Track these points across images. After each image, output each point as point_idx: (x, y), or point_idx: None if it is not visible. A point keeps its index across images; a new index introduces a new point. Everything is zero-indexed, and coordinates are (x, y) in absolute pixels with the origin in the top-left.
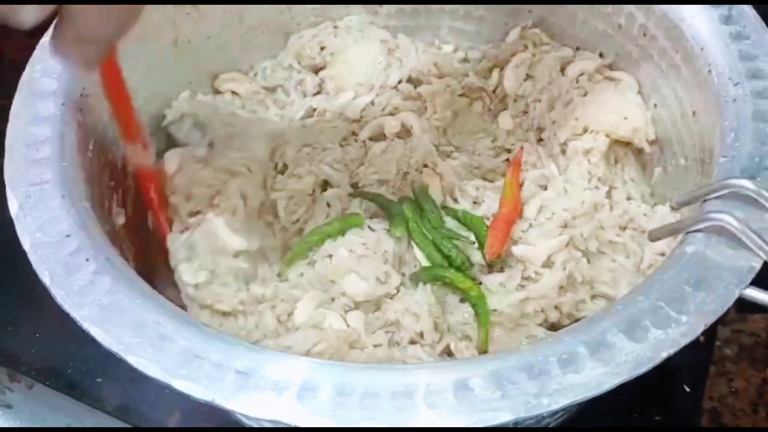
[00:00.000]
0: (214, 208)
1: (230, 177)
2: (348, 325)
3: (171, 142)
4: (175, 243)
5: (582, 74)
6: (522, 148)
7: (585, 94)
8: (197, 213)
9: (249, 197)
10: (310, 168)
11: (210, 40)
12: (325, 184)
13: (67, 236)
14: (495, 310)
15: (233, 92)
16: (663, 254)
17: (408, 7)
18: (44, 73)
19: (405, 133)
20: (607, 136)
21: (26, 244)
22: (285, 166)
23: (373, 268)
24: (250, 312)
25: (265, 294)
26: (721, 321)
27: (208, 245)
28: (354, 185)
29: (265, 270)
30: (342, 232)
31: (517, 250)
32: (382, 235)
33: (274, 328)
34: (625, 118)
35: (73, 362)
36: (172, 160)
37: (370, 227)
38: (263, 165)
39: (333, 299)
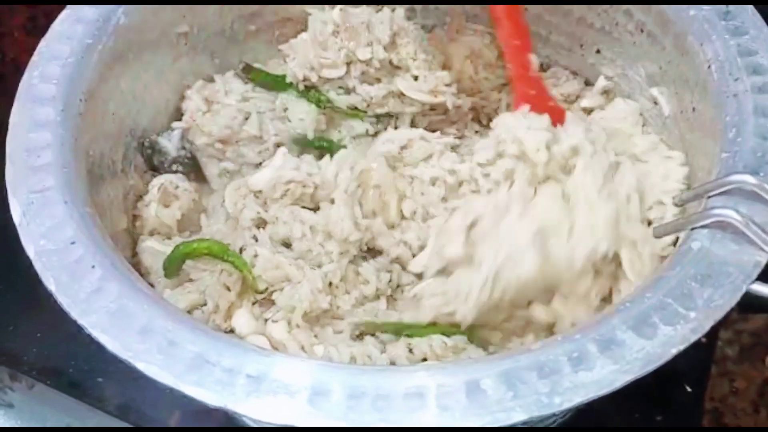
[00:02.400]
0: None
1: None
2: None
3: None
4: None
5: None
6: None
7: None
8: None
9: None
10: None
11: (206, 42)
12: None
13: (72, 243)
14: None
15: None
16: None
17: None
18: (43, 79)
19: None
20: None
21: (31, 251)
22: None
23: None
24: None
25: None
26: (722, 321)
27: None
28: None
29: None
30: None
31: None
32: None
33: None
34: None
35: (74, 362)
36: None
37: None
38: None
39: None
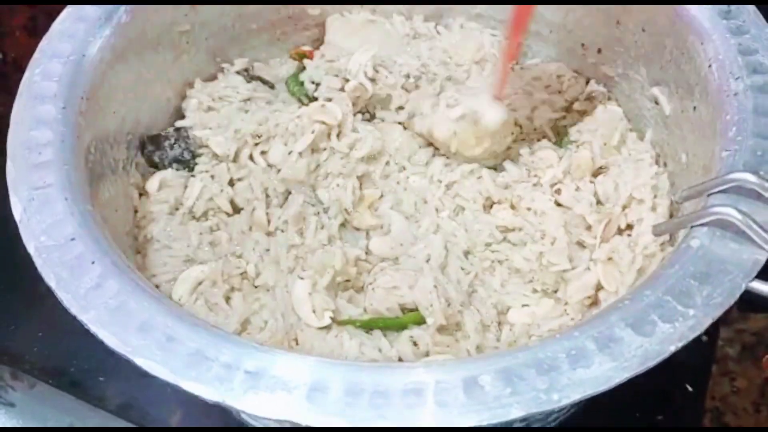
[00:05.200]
0: None
1: None
2: None
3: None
4: None
5: None
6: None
7: None
8: None
9: None
10: None
11: (207, 41)
12: None
13: (72, 240)
14: None
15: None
16: None
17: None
18: (44, 76)
19: None
20: None
21: (31, 247)
22: None
23: None
24: None
25: None
26: (723, 320)
27: None
28: None
29: None
30: None
31: None
32: None
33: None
34: None
35: (75, 361)
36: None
37: None
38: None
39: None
